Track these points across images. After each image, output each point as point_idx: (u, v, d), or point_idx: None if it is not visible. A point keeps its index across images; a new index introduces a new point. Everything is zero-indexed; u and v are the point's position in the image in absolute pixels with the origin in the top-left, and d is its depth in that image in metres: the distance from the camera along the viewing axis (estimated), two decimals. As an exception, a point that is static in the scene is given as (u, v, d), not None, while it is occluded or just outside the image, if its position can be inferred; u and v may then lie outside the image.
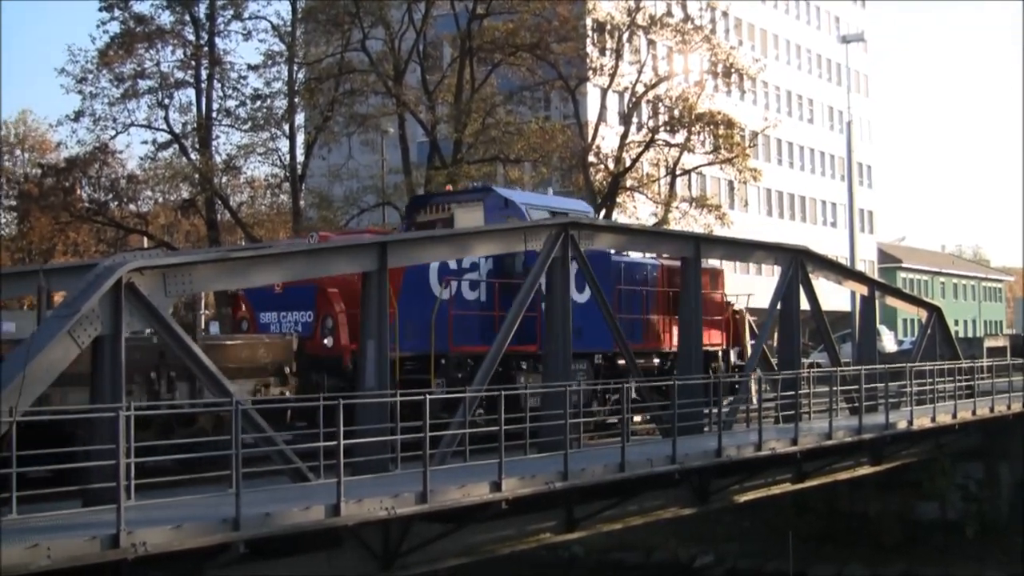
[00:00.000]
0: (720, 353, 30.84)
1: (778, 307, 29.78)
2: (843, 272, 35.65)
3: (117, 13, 50.28)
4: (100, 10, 50.34)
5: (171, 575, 15.86)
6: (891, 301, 40.02)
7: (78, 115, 50.50)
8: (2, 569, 12.60)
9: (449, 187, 29.68)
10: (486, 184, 29.03)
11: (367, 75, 50.00)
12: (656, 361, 29.08)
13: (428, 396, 18.12)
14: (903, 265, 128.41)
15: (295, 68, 50.96)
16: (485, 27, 49.24)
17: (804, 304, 30.28)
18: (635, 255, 31.01)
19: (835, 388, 29.38)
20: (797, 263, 29.69)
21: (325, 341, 21.98)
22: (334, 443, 16.39)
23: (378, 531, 18.46)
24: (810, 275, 30.62)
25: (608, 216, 48.89)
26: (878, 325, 38.31)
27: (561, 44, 49.79)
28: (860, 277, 37.45)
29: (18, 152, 71.72)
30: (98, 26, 50.55)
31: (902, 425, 30.84)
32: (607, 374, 27.12)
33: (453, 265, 24.17)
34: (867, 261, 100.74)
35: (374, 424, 18.90)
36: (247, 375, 20.15)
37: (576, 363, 25.11)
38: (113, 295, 15.89)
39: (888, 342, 65.58)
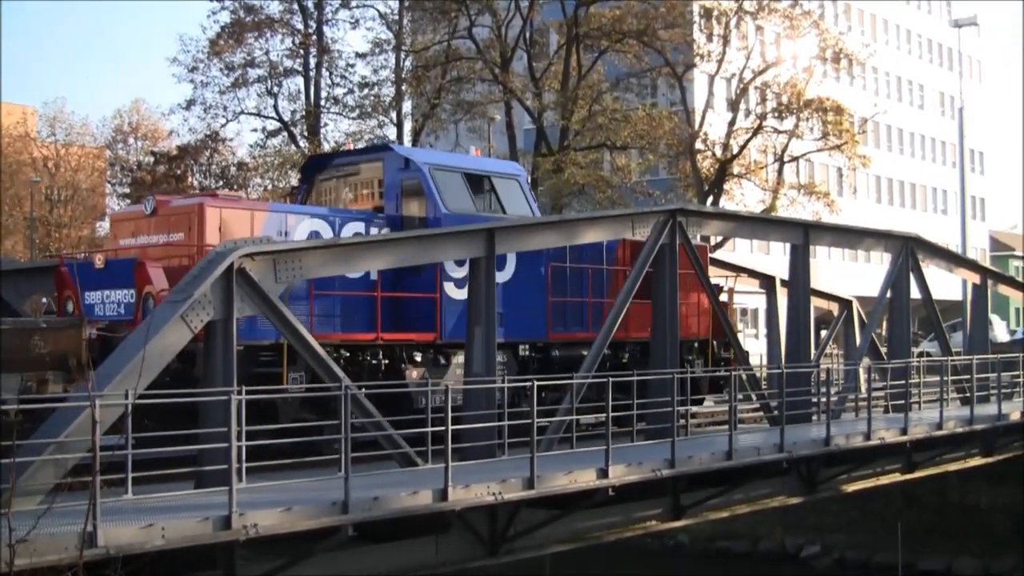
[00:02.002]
0: (697, 344, 26.84)
1: (888, 295, 29.43)
2: (954, 260, 35.08)
3: (227, 3, 51.13)
4: (211, 0, 51.20)
5: (280, 557, 16.10)
6: (1004, 289, 39.33)
7: (189, 104, 51.39)
8: (118, 547, 12.84)
9: (349, 144, 26.34)
10: (384, 141, 24.74)
11: (474, 62, 50.15)
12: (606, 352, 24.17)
13: (535, 383, 18.16)
14: (1016, 253, 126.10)
15: (402, 56, 51.23)
16: (592, 14, 49.15)
17: (914, 292, 29.91)
18: None
19: (946, 378, 28.95)
20: (907, 250, 29.28)
21: None
22: (442, 428, 16.50)
23: (485, 516, 18.55)
24: (920, 263, 30.21)
25: (715, 203, 48.57)
26: (990, 314, 37.71)
27: (668, 30, 49.51)
28: (972, 265, 36.85)
29: (131, 140, 72.87)
30: (209, 16, 51.49)
31: (1015, 416, 30.35)
32: (540, 368, 23.07)
33: (328, 235, 21.03)
34: (979, 249, 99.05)
35: (481, 410, 18.99)
36: (16, 368, 16.91)
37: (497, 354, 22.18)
38: (224, 280, 16.13)
39: (1000, 331, 64.54)
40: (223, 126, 51.86)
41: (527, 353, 23.58)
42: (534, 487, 17.40)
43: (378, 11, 51.75)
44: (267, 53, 51.01)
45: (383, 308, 21.17)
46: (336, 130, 52.50)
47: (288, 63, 51.44)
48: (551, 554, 21.56)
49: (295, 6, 51.14)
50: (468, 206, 22.65)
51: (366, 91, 51.12)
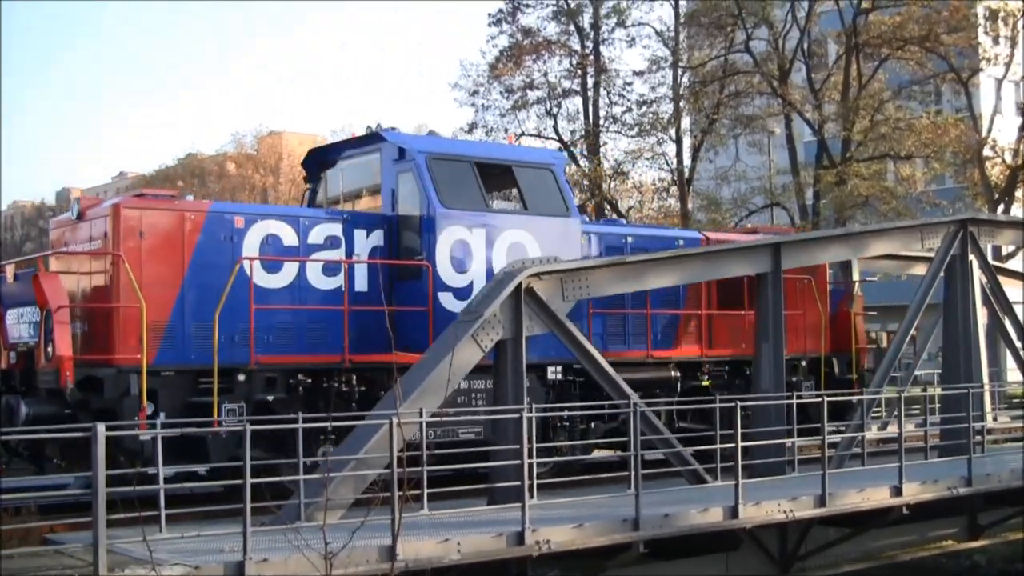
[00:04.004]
0: (805, 363, 23.69)
1: None
2: None
3: (505, 27, 51.94)
4: (489, 25, 52.28)
5: (571, 573, 16.29)
6: None
7: (472, 127, 52.36)
8: (416, 560, 13.20)
9: (355, 134, 22.26)
10: (379, 130, 20.32)
11: (751, 76, 49.68)
12: (645, 375, 21.00)
13: (825, 399, 17.91)
14: None
15: (679, 72, 51.14)
16: (871, 21, 48.12)
17: None
18: (644, 227, 25.86)
19: None
20: None
21: (48, 349, 16.50)
22: (731, 445, 16.43)
23: (775, 534, 18.38)
24: None
25: (1007, 212, 46.88)
26: None
27: (951, 35, 48.03)
28: None
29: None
30: (488, 40, 52.51)
31: None
32: (583, 394, 19.99)
33: (291, 240, 18.39)
34: None
35: (771, 427, 18.81)
36: None
37: None
38: (513, 300, 16.44)
39: None
40: (504, 148, 52.63)
41: (559, 376, 20.37)
42: (826, 505, 17.17)
43: (654, 29, 51.86)
44: (545, 75, 51.59)
45: (359, 325, 18.39)
46: (615, 148, 52.81)
47: (566, 84, 51.97)
48: (843, 573, 21.15)
49: (572, 27, 51.61)
50: (475, 202, 19.68)
51: (644, 109, 51.22)
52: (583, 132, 51.31)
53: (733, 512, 16.12)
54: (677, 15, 51.25)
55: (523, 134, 51.59)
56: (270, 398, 17.49)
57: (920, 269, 23.47)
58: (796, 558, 18.87)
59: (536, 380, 19.50)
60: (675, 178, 50.93)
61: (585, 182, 49.68)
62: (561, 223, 20.31)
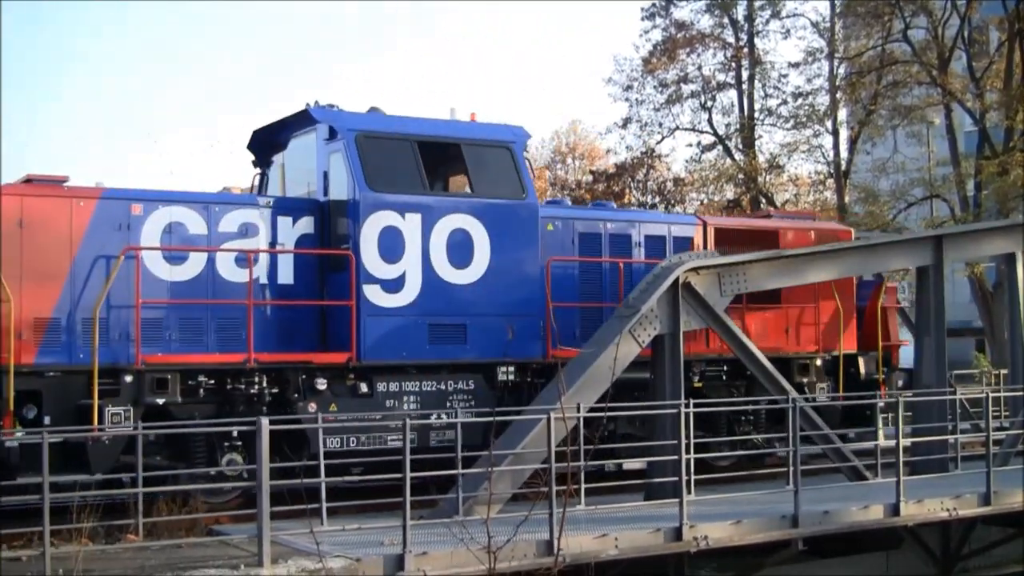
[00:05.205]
0: (819, 362, 21.44)
1: None
2: None
3: (659, 21, 51.85)
4: (642, 19, 52.21)
5: (729, 569, 16.25)
6: None
7: (626, 122, 52.37)
8: (574, 555, 13.25)
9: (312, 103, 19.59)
10: (310, 107, 18.32)
11: (910, 66, 48.77)
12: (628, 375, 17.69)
13: (989, 396, 17.57)
14: None
15: (836, 63, 50.45)
16: (1035, 7, 46.93)
17: None
18: (627, 212, 23.82)
19: None
20: None
21: None
22: (893, 442, 16.23)
23: (937, 532, 18.10)
24: None
25: None
26: None
27: (1121, 18, 46.59)
28: None
29: (570, 160, 74.82)
30: (641, 35, 52.40)
31: None
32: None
33: (198, 229, 16.98)
34: None
35: (932, 423, 18.52)
36: None
37: (457, 380, 17.97)
38: (670, 295, 16.43)
39: None
40: (659, 143, 52.56)
41: (512, 377, 18.44)
42: (990, 503, 16.85)
43: (809, 20, 51.28)
44: (699, 68, 51.36)
45: (281, 321, 17.43)
46: (770, 141, 52.25)
47: (721, 77, 51.67)
48: (1007, 575, 20.73)
49: (725, 20, 51.30)
50: (412, 185, 17.94)
51: (800, 101, 50.64)
52: (738, 125, 50.94)
53: (894, 509, 15.92)
54: (833, 5, 50.61)
55: (677, 128, 51.44)
56: (160, 401, 16.10)
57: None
58: (959, 558, 18.56)
59: (484, 381, 18.23)
60: (832, 171, 50.31)
61: (740, 176, 49.33)
62: (514, 207, 18.60)
